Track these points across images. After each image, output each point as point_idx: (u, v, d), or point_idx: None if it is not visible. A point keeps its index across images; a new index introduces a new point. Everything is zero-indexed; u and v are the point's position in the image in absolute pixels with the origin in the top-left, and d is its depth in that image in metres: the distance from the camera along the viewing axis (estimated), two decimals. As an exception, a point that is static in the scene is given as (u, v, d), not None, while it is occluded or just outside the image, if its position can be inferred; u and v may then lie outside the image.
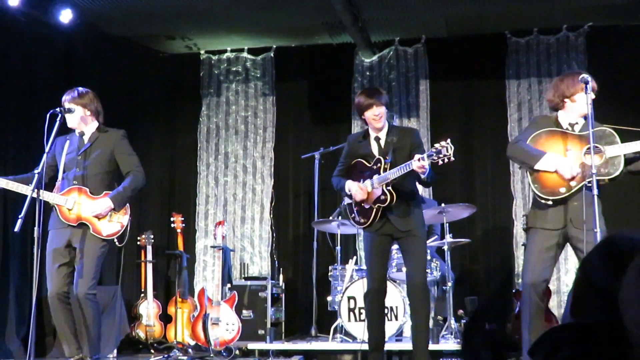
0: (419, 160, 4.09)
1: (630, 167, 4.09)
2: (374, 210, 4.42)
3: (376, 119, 4.48)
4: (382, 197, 4.37)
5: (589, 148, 4.08)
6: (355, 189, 4.49)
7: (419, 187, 4.76)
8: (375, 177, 4.41)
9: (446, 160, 4.03)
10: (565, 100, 4.19)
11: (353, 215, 4.60)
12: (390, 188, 4.36)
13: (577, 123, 4.21)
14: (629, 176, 4.33)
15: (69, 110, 4.64)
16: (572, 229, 4.11)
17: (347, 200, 4.70)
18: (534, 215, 4.24)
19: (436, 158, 4.04)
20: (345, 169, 4.70)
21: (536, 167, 4.11)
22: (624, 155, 4.03)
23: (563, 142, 4.16)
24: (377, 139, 4.56)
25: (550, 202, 4.12)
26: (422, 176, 4.23)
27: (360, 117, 4.63)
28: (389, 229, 4.47)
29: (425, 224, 4.72)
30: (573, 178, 4.05)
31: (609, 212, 4.24)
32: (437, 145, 4.06)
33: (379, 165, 4.44)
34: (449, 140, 4.05)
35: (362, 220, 4.51)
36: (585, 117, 4.17)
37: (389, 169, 4.35)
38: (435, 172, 4.47)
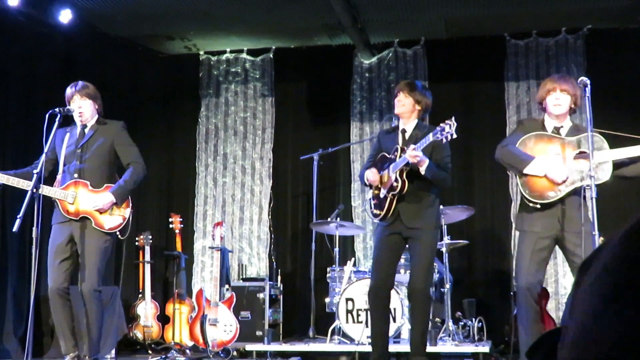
0: (413, 149, 4.19)
1: (618, 173, 4.11)
2: (388, 199, 4.43)
3: (397, 105, 4.60)
4: (395, 184, 4.39)
5: (578, 153, 4.12)
6: (370, 174, 4.56)
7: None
8: (392, 165, 4.46)
9: (449, 137, 4.11)
10: (542, 105, 4.32)
11: (371, 209, 4.62)
12: (404, 176, 4.39)
13: (562, 127, 4.28)
14: (625, 182, 4.36)
15: (68, 111, 4.64)
16: (561, 232, 4.13)
17: (368, 196, 4.72)
18: (522, 218, 4.27)
19: (440, 136, 4.13)
20: (372, 163, 4.72)
21: (525, 171, 4.14)
22: (613, 160, 4.05)
23: (552, 146, 4.19)
24: (404, 132, 4.61)
25: (538, 206, 4.13)
26: (421, 168, 4.26)
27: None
28: (399, 225, 4.45)
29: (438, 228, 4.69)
30: (563, 182, 4.08)
31: (606, 216, 4.25)
32: (441, 124, 4.15)
33: (396, 153, 4.48)
34: (453, 119, 4.12)
35: (377, 212, 4.52)
36: (572, 119, 4.34)
37: None
38: (442, 175, 4.46)
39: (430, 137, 4.17)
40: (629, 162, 4.11)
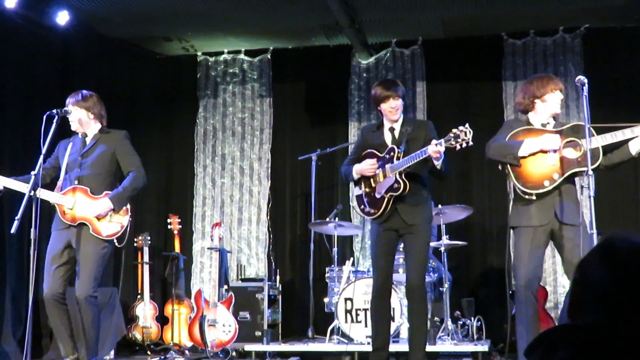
0: (435, 145, 4.09)
1: (606, 161, 4.10)
2: (386, 199, 4.38)
3: (392, 111, 4.47)
4: (396, 185, 4.33)
5: (568, 141, 4.11)
6: (363, 166, 4.47)
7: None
8: (388, 165, 4.39)
9: (464, 145, 4.04)
10: (536, 101, 4.25)
11: (362, 206, 4.54)
12: (404, 177, 4.34)
13: (548, 123, 4.26)
14: (613, 172, 4.36)
15: (66, 112, 4.63)
16: (556, 223, 4.12)
17: (356, 192, 4.64)
18: (517, 213, 4.23)
19: (454, 143, 4.05)
20: (356, 159, 4.64)
21: (520, 154, 4.12)
22: (602, 147, 4.05)
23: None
24: (392, 130, 4.54)
25: (534, 197, 4.12)
26: (436, 162, 4.20)
27: (375, 108, 4.61)
28: (396, 221, 4.42)
29: (432, 222, 4.66)
30: (558, 150, 4.07)
31: (604, 211, 4.24)
32: (454, 130, 4.06)
33: (392, 154, 4.41)
34: (467, 125, 4.05)
35: (372, 211, 4.46)
36: (555, 117, 4.29)
37: (402, 158, 4.34)
38: (450, 165, 4.44)
39: (443, 142, 4.11)
40: (610, 149, 4.11)
